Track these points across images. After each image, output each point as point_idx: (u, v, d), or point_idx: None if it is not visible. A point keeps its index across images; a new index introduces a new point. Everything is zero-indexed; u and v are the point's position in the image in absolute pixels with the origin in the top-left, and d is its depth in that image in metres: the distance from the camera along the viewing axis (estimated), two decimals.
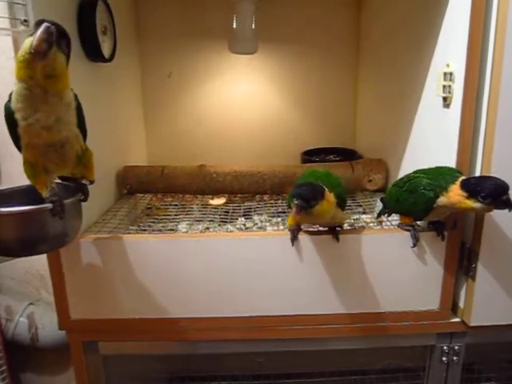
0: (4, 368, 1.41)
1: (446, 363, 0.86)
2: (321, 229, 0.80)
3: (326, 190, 0.71)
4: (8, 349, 1.43)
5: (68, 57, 0.58)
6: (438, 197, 0.70)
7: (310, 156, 1.30)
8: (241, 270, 0.79)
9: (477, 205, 0.65)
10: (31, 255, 0.61)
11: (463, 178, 0.68)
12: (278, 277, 0.79)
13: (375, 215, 0.97)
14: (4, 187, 0.68)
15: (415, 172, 0.76)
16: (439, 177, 0.71)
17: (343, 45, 1.34)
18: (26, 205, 0.60)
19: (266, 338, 0.83)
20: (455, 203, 0.68)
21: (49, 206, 0.60)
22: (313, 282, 0.79)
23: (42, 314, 1.44)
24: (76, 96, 0.63)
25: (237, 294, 0.80)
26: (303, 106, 1.37)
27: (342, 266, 0.79)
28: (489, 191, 0.64)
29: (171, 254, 0.78)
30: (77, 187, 0.69)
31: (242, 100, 1.36)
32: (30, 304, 1.46)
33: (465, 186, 0.67)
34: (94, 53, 0.89)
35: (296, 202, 0.66)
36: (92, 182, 0.72)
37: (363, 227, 0.91)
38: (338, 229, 0.78)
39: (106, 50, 0.93)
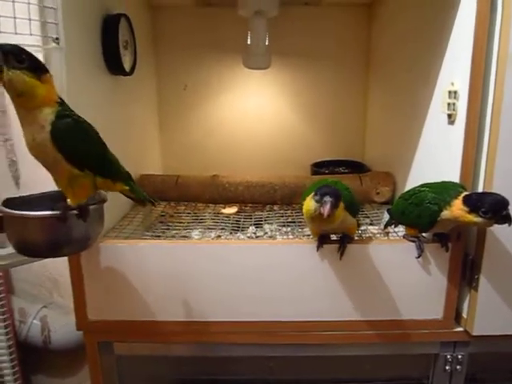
0: (17, 369, 1.44)
1: (449, 372, 0.88)
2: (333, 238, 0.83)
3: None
4: (20, 350, 1.47)
5: (33, 70, 0.55)
6: (441, 210, 0.73)
7: (319, 168, 1.34)
8: (252, 276, 0.82)
9: (478, 219, 0.68)
10: (56, 257, 0.65)
11: (466, 193, 0.71)
12: (288, 283, 0.82)
13: (382, 226, 1.00)
14: (29, 193, 0.72)
15: (421, 186, 0.79)
16: (443, 191, 0.74)
17: (353, 60, 1.37)
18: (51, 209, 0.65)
19: (274, 342, 0.86)
20: (458, 217, 0.71)
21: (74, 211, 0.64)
22: (321, 290, 0.82)
23: (54, 317, 1.48)
24: (62, 120, 0.59)
25: (247, 299, 0.83)
26: (314, 118, 1.41)
27: (349, 275, 0.82)
28: (489, 206, 0.67)
29: (185, 259, 0.81)
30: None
31: (255, 112, 1.41)
32: (43, 307, 1.50)
33: (467, 201, 0.70)
34: (115, 67, 0.94)
35: (328, 199, 0.66)
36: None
37: (370, 238, 0.94)
38: (347, 239, 0.80)
39: (126, 64, 0.97)
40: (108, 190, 0.71)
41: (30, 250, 0.65)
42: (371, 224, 1.02)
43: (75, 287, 0.83)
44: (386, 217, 1.04)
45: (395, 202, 0.87)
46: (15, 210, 0.63)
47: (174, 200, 1.17)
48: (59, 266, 1.47)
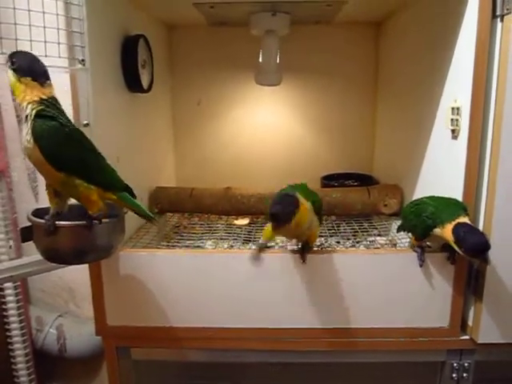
0: (33, 377, 1.48)
1: (456, 380, 0.90)
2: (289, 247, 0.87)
3: (301, 198, 0.74)
4: (36, 358, 1.50)
5: (16, 71, 0.63)
6: (435, 227, 0.77)
7: (329, 181, 1.37)
8: (263, 284, 0.85)
9: (460, 251, 0.73)
10: (81, 263, 0.69)
11: (459, 221, 0.74)
12: (296, 291, 0.85)
13: (390, 238, 1.04)
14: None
15: (428, 197, 0.83)
16: (445, 209, 0.77)
17: (362, 76, 1.41)
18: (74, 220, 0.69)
19: (285, 349, 0.89)
20: (446, 239, 0.75)
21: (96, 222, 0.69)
22: (328, 298, 0.85)
23: (70, 326, 1.52)
24: (42, 118, 0.63)
25: (258, 307, 0.86)
26: (324, 133, 1.45)
27: (356, 283, 0.85)
28: (469, 248, 0.72)
29: (199, 268, 0.85)
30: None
31: (266, 127, 1.45)
32: (59, 316, 1.54)
33: (455, 231, 0.73)
34: (134, 85, 0.99)
35: (274, 213, 0.70)
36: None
37: (378, 248, 0.97)
38: (307, 246, 0.83)
39: (144, 82, 1.02)
40: (101, 199, 0.71)
41: (57, 257, 0.69)
42: (379, 235, 1.05)
43: (95, 293, 0.86)
44: (394, 228, 1.08)
45: (404, 207, 0.90)
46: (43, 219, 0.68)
47: (188, 211, 1.21)
48: (75, 276, 1.51)
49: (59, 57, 0.73)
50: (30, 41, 0.68)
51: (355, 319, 0.86)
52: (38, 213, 0.71)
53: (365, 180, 1.36)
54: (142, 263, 0.85)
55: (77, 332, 1.51)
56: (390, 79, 1.30)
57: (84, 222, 0.67)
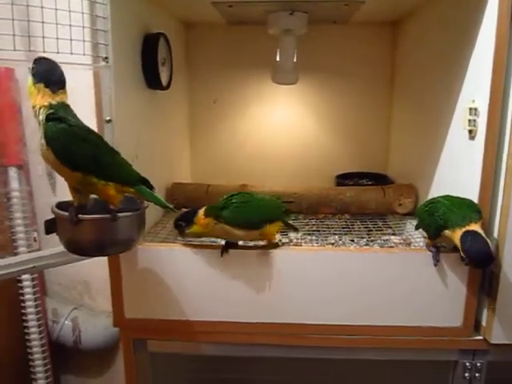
0: (48, 367, 1.50)
1: (468, 379, 0.90)
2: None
3: (200, 213, 0.84)
4: (52, 349, 1.53)
5: (33, 76, 0.67)
6: (446, 228, 0.78)
7: (343, 179, 1.37)
8: (278, 280, 0.86)
9: (466, 259, 0.75)
10: (103, 256, 0.71)
11: (468, 229, 0.74)
12: (315, 288, 0.86)
13: (404, 237, 1.04)
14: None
15: (443, 196, 0.83)
16: (457, 210, 0.77)
17: (378, 75, 1.41)
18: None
19: (298, 344, 0.90)
20: (455, 243, 0.76)
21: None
22: (340, 295, 0.86)
23: (85, 319, 1.54)
24: (51, 121, 0.66)
25: (275, 302, 0.87)
26: (339, 132, 1.46)
27: (369, 281, 0.86)
28: (473, 259, 0.74)
29: (213, 263, 0.86)
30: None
31: (281, 126, 1.46)
32: (75, 308, 1.56)
33: (463, 238, 0.74)
34: (153, 82, 1.01)
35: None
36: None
37: (392, 247, 0.98)
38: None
39: (163, 80, 1.04)
40: (119, 193, 0.73)
41: (80, 249, 0.71)
42: (393, 234, 1.06)
43: (114, 286, 0.88)
44: (409, 228, 1.09)
45: (419, 205, 0.91)
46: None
47: None
48: (91, 270, 1.54)
49: (84, 54, 0.74)
50: (57, 39, 0.70)
51: (368, 317, 0.87)
52: (61, 206, 0.73)
53: (379, 179, 1.37)
54: (161, 257, 0.87)
55: (91, 324, 1.54)
56: (406, 79, 1.30)
57: (108, 216, 0.69)
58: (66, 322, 1.54)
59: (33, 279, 1.42)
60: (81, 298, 1.61)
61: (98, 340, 1.55)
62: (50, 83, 0.67)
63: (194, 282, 0.88)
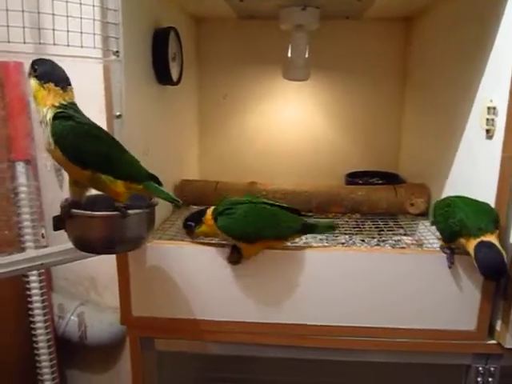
0: (54, 362, 1.50)
1: None
2: None
3: (208, 213, 0.83)
4: (58, 345, 1.53)
5: (39, 78, 0.66)
6: (461, 236, 0.76)
7: (353, 178, 1.36)
8: (287, 280, 0.85)
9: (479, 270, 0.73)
10: (113, 253, 0.70)
11: (482, 239, 0.73)
12: (323, 288, 0.85)
13: (416, 238, 1.02)
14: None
15: (460, 199, 0.81)
16: (474, 218, 0.75)
17: (390, 72, 1.39)
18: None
19: (304, 345, 0.89)
20: (469, 252, 0.74)
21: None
22: (354, 297, 0.85)
23: (90, 314, 1.54)
24: (59, 119, 0.65)
25: (283, 302, 0.86)
26: (349, 130, 1.44)
27: (382, 282, 0.84)
28: (484, 271, 0.72)
29: (222, 262, 0.85)
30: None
31: (291, 122, 1.44)
32: (81, 304, 1.56)
33: (476, 249, 0.73)
34: (164, 77, 0.99)
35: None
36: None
37: (404, 247, 0.96)
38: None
39: (174, 75, 1.02)
40: (127, 189, 0.72)
41: (89, 246, 0.70)
42: (405, 234, 1.04)
43: (121, 284, 0.87)
44: (420, 228, 1.07)
45: (435, 204, 0.89)
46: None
47: (213, 205, 1.20)
48: (97, 266, 1.53)
49: (94, 47, 0.73)
50: (67, 31, 0.69)
51: (380, 318, 0.86)
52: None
53: (390, 178, 1.35)
54: (169, 255, 0.86)
55: (97, 320, 1.53)
56: (419, 77, 1.28)
57: (118, 213, 0.68)
58: (72, 317, 1.53)
59: (40, 274, 1.42)
60: (87, 293, 1.61)
61: (103, 336, 1.54)
62: (58, 81, 0.66)
63: (203, 280, 0.86)
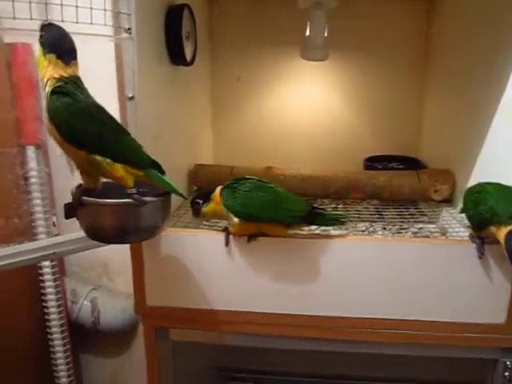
0: (68, 347, 1.50)
1: (508, 379, 0.86)
2: None
3: (218, 189, 0.80)
4: (71, 330, 1.52)
5: (43, 46, 0.62)
6: (491, 224, 0.72)
7: (372, 162, 1.31)
8: (306, 270, 0.82)
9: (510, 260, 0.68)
10: (127, 243, 0.67)
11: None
12: (344, 279, 0.82)
13: (440, 225, 0.98)
14: None
15: (492, 185, 0.77)
16: (505, 205, 0.71)
17: (411, 53, 1.34)
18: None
19: (325, 337, 0.86)
20: (500, 241, 0.70)
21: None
22: (378, 288, 0.82)
23: (103, 299, 1.53)
24: (56, 94, 0.62)
25: (302, 293, 0.83)
26: (368, 112, 1.39)
27: (409, 274, 0.81)
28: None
29: (238, 250, 0.82)
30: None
31: (308, 105, 1.39)
32: (93, 289, 1.55)
33: (507, 238, 0.68)
34: (177, 57, 0.95)
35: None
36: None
37: (427, 237, 0.92)
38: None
39: (188, 55, 0.98)
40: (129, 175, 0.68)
41: (101, 235, 0.67)
42: (429, 222, 1.00)
43: (136, 273, 0.85)
44: (444, 215, 1.02)
45: (466, 191, 0.84)
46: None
47: None
48: (110, 252, 1.51)
49: (105, 25, 0.69)
50: (76, 7, 0.65)
51: (404, 311, 0.82)
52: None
53: (410, 163, 1.30)
54: (184, 244, 0.83)
55: (110, 306, 1.53)
56: (442, 57, 1.22)
57: (132, 201, 0.64)
58: (85, 302, 1.53)
59: (52, 260, 1.40)
60: (99, 279, 1.60)
61: (116, 322, 1.54)
62: (62, 54, 0.62)
63: (218, 269, 0.84)
